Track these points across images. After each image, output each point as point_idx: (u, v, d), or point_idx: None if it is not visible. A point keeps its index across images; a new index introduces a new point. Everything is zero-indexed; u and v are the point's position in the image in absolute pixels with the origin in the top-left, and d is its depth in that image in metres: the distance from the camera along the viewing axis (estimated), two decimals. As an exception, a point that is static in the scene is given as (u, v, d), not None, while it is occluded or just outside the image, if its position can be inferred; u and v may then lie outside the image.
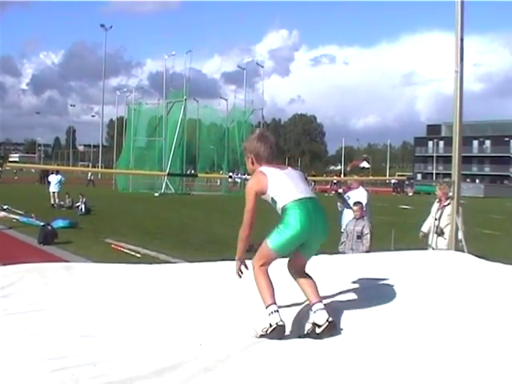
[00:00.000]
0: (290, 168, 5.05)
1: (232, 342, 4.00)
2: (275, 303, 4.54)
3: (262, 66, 76.89)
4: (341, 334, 4.42)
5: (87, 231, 21.39)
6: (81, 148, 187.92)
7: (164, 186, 56.61)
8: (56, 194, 33.32)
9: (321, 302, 4.62)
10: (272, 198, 4.82)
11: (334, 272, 6.13)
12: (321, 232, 4.75)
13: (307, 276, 4.85)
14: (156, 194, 51.91)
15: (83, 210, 28.93)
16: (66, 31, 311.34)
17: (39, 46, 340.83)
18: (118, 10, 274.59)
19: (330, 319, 4.45)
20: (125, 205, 36.37)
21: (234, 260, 5.21)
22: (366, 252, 11.06)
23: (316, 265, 5.13)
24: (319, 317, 4.49)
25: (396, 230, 15.60)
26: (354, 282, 5.69)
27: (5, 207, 27.75)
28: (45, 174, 47.90)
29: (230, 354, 3.69)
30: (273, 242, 4.72)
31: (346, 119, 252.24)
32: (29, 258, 12.48)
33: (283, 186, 4.78)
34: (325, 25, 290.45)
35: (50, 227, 18.50)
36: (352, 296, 5.27)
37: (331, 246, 12.29)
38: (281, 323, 4.40)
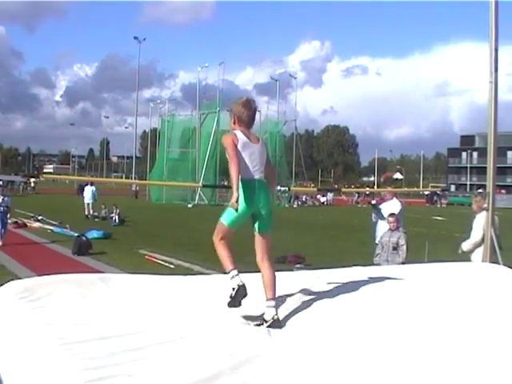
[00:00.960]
0: (259, 143, 5.83)
1: (261, 351, 4.00)
2: (235, 268, 5.32)
3: (295, 77, 77.01)
4: (377, 347, 4.39)
5: (121, 242, 21.45)
6: (114, 159, 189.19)
7: (197, 197, 56.70)
8: (90, 204, 33.55)
9: (273, 299, 5.22)
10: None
11: (369, 284, 6.09)
12: (264, 206, 5.58)
13: (270, 271, 5.46)
14: (189, 206, 51.94)
15: (117, 220, 29.06)
16: (99, 43, 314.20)
17: (73, 59, 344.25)
18: (151, 21, 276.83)
19: (276, 317, 5.04)
20: (158, 216, 36.49)
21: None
22: (402, 263, 10.96)
23: (352, 277, 5.12)
24: (268, 313, 5.09)
25: (429, 241, 15.45)
26: (391, 294, 5.65)
27: (39, 218, 27.99)
28: (81, 186, 48.31)
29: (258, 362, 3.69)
30: (226, 219, 5.60)
31: (378, 130, 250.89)
32: (63, 269, 12.57)
33: (243, 160, 5.63)
34: (357, 36, 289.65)
35: (84, 238, 18.61)
36: (390, 307, 5.24)
37: (366, 257, 12.23)
38: (241, 283, 5.10)
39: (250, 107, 5.91)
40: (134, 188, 69.51)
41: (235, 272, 5.29)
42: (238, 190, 5.45)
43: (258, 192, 5.59)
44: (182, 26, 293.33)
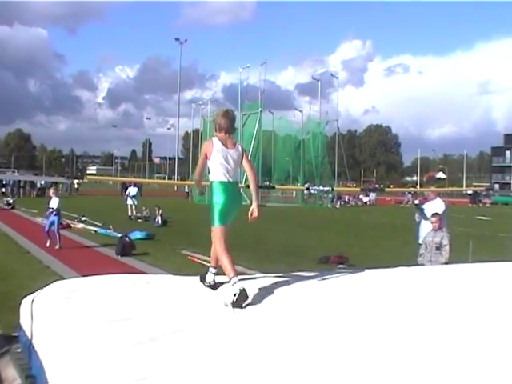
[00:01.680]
0: (235, 148, 6.54)
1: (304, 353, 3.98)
2: (237, 275, 5.84)
3: (337, 77, 76.60)
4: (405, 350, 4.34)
5: (164, 243, 21.56)
6: (157, 160, 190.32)
7: (240, 197, 56.78)
8: (133, 205, 33.78)
9: (236, 276, 5.86)
10: (208, 168, 6.52)
11: (413, 285, 6.04)
12: (236, 207, 6.57)
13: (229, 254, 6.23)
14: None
15: (160, 221, 29.19)
16: (140, 45, 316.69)
17: (114, 61, 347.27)
18: (190, 22, 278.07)
19: (242, 287, 5.56)
20: (201, 216, 36.40)
21: (310, 271, 5.30)
22: (445, 264, 10.86)
23: (396, 277, 5.07)
24: (235, 287, 5.60)
25: (473, 241, 15.28)
26: (434, 295, 5.60)
27: (83, 219, 28.25)
28: (124, 187, 48.62)
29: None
30: (215, 222, 6.35)
31: (421, 129, 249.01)
32: (107, 270, 12.69)
33: (218, 164, 6.38)
34: (398, 34, 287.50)
35: (127, 239, 18.73)
36: (433, 308, 5.19)
37: (409, 258, 12.14)
38: (242, 288, 5.55)
39: (227, 116, 6.69)
40: (186, 189, 69.72)
41: (236, 279, 5.77)
42: (198, 182, 6.80)
43: (233, 193, 6.49)
44: (221, 27, 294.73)
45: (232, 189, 6.49)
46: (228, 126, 6.63)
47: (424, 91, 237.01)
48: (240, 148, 6.69)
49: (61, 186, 62.76)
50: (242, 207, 6.67)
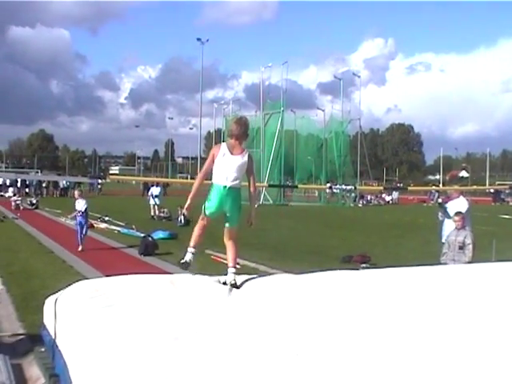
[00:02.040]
0: (242, 155, 7.06)
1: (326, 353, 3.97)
2: (195, 247, 7.44)
3: (359, 76, 76.49)
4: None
5: (187, 242, 21.48)
6: (179, 160, 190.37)
7: (262, 197, 56.75)
8: (156, 206, 33.84)
9: (234, 267, 7.02)
10: (212, 169, 7.12)
11: (437, 284, 6.01)
12: (230, 209, 7.23)
13: (233, 245, 7.51)
14: (255, 206, 51.90)
15: (183, 221, 29.19)
16: (162, 45, 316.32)
17: (136, 61, 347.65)
18: (212, 22, 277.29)
19: (233, 282, 6.65)
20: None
21: (333, 270, 5.28)
22: (468, 263, 10.80)
23: (419, 276, 5.05)
24: (228, 277, 6.76)
25: (497, 240, 15.15)
26: (458, 294, 5.56)
27: (106, 219, 28.34)
28: (146, 187, 48.57)
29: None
30: (205, 211, 7.29)
31: (443, 128, 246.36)
32: (130, 269, 12.72)
33: (220, 167, 7.03)
34: (421, 32, 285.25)
35: (150, 238, 18.74)
36: (456, 308, 5.15)
37: (432, 257, 12.08)
38: (188, 260, 7.18)
39: (239, 123, 7.23)
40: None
41: (192, 250, 7.43)
42: (191, 198, 7.57)
43: (225, 197, 7.12)
44: (243, 27, 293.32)
45: (224, 192, 7.09)
46: (238, 133, 7.09)
47: (446, 89, 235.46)
48: (247, 156, 7.13)
49: (81, 186, 62.99)
50: (242, 209, 7.41)
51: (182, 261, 7.17)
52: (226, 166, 6.99)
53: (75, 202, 19.54)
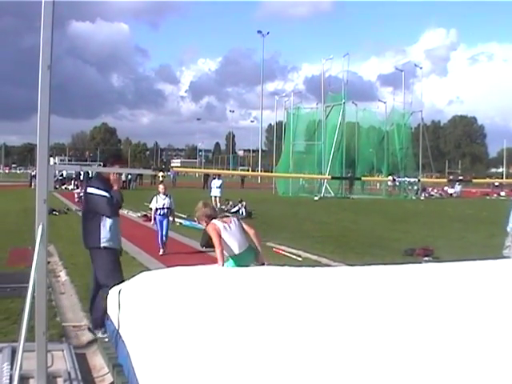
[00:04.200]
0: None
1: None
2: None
3: (421, 67, 75.31)
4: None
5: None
6: (240, 153, 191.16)
7: (323, 189, 56.55)
8: (217, 198, 33.99)
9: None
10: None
11: (497, 279, 5.86)
12: None
13: None
14: (316, 198, 51.70)
15: (244, 213, 29.27)
16: (222, 38, 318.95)
17: (196, 54, 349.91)
18: (270, 13, 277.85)
19: None
20: (285, 208, 36.56)
21: (396, 264, 5.18)
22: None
23: (481, 270, 4.93)
24: None
25: None
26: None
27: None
28: (206, 179, 48.77)
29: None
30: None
31: (507, 120, 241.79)
32: (192, 261, 12.84)
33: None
34: (484, 22, 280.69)
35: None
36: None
37: (496, 251, 11.87)
38: None
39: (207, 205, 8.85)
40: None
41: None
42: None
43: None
44: (301, 18, 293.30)
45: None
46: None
47: (510, 79, 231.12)
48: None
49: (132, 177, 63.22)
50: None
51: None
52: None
53: (154, 198, 17.82)
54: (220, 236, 8.07)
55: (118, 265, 8.15)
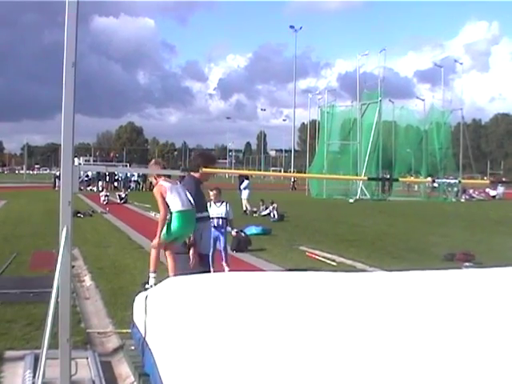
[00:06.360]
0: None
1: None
2: (155, 272, 8.20)
3: (461, 63, 74.53)
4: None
5: (281, 238, 21.33)
6: (272, 153, 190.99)
7: (359, 191, 56.21)
8: (245, 200, 33.84)
9: (154, 272, 8.25)
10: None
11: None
12: None
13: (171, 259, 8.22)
14: (351, 200, 51.30)
15: (276, 216, 29.09)
16: (251, 33, 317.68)
17: (225, 50, 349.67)
18: (300, 8, 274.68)
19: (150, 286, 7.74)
20: (319, 211, 36.35)
21: (435, 270, 4.94)
22: None
23: None
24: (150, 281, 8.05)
25: None
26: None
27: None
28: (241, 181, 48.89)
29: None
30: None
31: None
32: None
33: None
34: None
35: (243, 234, 18.59)
36: None
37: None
38: (149, 286, 7.56)
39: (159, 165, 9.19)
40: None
41: (153, 274, 8.17)
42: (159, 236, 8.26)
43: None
44: (333, 13, 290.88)
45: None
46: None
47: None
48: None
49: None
50: None
51: (147, 286, 7.77)
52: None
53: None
54: (164, 198, 8.13)
55: None
